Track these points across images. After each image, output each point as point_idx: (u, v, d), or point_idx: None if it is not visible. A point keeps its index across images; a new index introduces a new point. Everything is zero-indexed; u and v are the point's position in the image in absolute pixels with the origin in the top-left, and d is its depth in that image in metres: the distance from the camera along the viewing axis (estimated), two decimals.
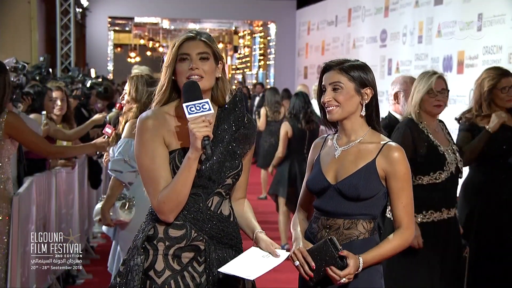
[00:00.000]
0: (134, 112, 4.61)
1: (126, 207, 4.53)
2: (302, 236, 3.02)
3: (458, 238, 4.42)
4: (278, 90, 11.48)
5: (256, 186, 11.61)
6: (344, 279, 2.80)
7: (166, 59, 2.77)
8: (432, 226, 4.21)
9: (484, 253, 4.77)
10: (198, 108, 2.59)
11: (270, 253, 2.74)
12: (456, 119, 5.07)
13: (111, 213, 4.54)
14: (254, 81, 22.89)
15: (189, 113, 2.59)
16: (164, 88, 2.78)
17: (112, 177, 4.56)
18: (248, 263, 2.69)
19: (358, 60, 3.04)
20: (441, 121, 4.49)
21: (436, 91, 4.31)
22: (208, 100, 2.64)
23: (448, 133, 4.45)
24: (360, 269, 2.83)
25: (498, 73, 4.84)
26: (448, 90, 4.37)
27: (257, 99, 16.60)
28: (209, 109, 2.60)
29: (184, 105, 2.61)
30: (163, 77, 2.78)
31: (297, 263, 2.87)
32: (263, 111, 10.96)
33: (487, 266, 4.77)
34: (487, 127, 4.75)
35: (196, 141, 2.58)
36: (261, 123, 10.82)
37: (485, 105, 4.79)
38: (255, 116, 13.03)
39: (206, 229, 2.73)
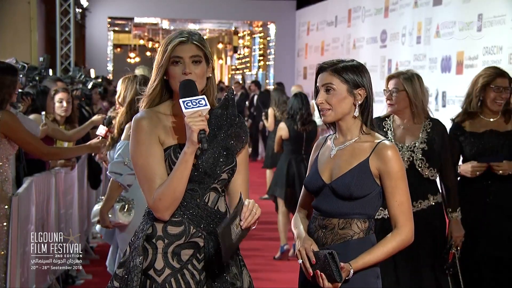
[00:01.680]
0: (124, 114, 4.59)
1: (125, 210, 4.53)
2: (306, 234, 3.01)
3: (430, 237, 4.35)
4: (284, 90, 11.22)
5: (260, 186, 11.59)
6: None
7: (157, 59, 2.78)
8: (380, 222, 4.12)
9: (471, 255, 4.70)
10: (194, 103, 2.64)
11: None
12: (451, 119, 5.04)
13: (110, 215, 4.54)
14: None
15: (186, 108, 2.63)
16: (154, 88, 2.80)
17: (111, 179, 4.55)
18: None
19: (354, 60, 3.03)
20: (432, 120, 4.43)
21: (389, 90, 4.38)
22: (204, 96, 2.69)
23: (428, 132, 4.38)
24: (350, 275, 2.83)
25: (495, 71, 4.79)
26: (405, 90, 4.30)
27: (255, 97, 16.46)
28: (205, 105, 2.65)
29: (180, 100, 2.65)
30: (153, 77, 2.81)
31: (300, 261, 2.88)
32: (270, 111, 10.70)
33: (475, 268, 4.70)
34: (459, 170, 4.70)
35: (192, 135, 2.62)
36: (269, 124, 10.63)
37: (475, 101, 4.71)
38: (263, 117, 12.76)
39: (204, 225, 2.74)
